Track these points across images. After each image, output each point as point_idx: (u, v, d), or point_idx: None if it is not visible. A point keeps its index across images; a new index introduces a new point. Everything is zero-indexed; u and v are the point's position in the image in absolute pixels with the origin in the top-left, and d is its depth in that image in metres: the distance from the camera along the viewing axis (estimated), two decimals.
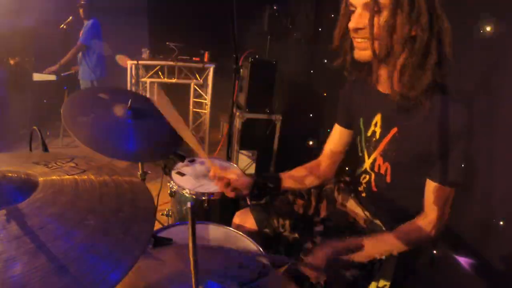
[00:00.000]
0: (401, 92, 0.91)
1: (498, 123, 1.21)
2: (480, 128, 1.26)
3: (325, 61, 2.99)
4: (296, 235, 1.29)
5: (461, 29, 1.34)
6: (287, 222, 1.29)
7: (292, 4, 3.55)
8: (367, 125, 1.10)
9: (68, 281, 0.41)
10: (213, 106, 3.93)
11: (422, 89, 0.87)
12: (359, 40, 0.90)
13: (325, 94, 2.93)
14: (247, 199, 1.44)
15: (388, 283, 1.29)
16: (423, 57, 0.85)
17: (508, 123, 1.17)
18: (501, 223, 1.17)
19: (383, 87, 1.03)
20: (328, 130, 1.41)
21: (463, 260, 1.29)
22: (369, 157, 1.12)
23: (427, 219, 0.99)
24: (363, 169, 1.17)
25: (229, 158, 2.34)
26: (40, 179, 0.55)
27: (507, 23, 1.18)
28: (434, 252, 1.45)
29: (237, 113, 2.83)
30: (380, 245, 1.00)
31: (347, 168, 1.37)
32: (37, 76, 3.69)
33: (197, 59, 3.75)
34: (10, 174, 0.53)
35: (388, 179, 1.06)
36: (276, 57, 3.27)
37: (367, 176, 1.16)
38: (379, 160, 1.07)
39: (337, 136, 1.27)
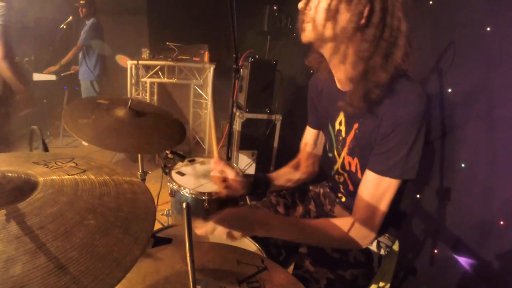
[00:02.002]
0: (354, 88, 0.90)
1: (498, 123, 1.21)
2: (480, 128, 1.26)
3: None
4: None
5: (461, 29, 1.34)
6: None
7: (292, 4, 3.55)
8: (333, 125, 1.10)
9: (68, 281, 0.41)
10: (213, 106, 3.93)
11: (372, 81, 0.86)
12: (304, 21, 0.92)
13: None
14: (247, 199, 1.44)
15: (388, 285, 1.29)
16: (370, 47, 0.84)
17: (508, 123, 1.17)
18: (501, 223, 1.17)
19: (341, 85, 1.02)
20: None
21: (463, 260, 1.30)
22: (339, 156, 1.11)
23: (349, 222, 0.94)
24: (336, 170, 1.16)
25: (229, 158, 2.35)
26: (40, 179, 0.55)
27: (507, 23, 1.18)
28: (434, 252, 1.45)
29: (237, 113, 2.83)
30: (287, 230, 0.95)
31: None
32: (37, 76, 3.69)
33: (197, 59, 3.75)
34: (10, 174, 0.53)
35: (359, 175, 1.03)
36: (276, 57, 3.27)
37: (341, 177, 1.15)
38: (348, 158, 1.06)
39: (309, 137, 1.30)
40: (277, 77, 2.92)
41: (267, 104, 2.91)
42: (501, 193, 1.19)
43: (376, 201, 0.91)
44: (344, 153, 1.07)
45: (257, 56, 3.08)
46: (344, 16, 0.84)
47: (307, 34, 0.91)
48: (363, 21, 0.84)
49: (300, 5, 0.91)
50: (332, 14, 0.84)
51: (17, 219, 0.46)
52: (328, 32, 0.86)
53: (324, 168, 1.36)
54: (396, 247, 1.26)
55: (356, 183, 1.06)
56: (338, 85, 1.03)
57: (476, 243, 1.27)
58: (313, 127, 1.27)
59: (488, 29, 1.23)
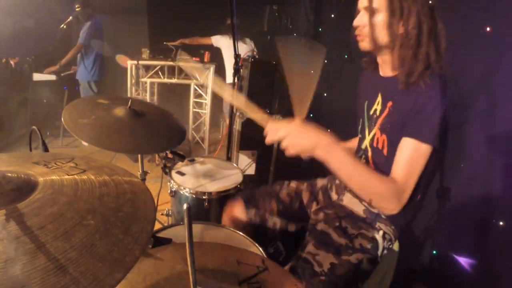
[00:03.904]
0: (403, 79, 1.05)
1: (498, 123, 1.21)
2: (480, 128, 1.26)
3: (325, 61, 2.99)
4: (284, 222, 1.32)
5: (461, 29, 1.34)
6: (274, 206, 1.32)
7: (292, 4, 3.55)
8: (370, 106, 1.23)
9: (68, 281, 0.41)
10: (213, 106, 3.93)
11: (418, 74, 1.02)
12: (358, 34, 1.11)
13: (325, 94, 2.93)
14: None
15: (388, 285, 1.29)
16: (416, 48, 1.02)
17: (508, 123, 1.17)
18: (501, 223, 1.17)
19: (384, 72, 1.19)
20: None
21: (463, 260, 1.30)
22: (369, 133, 1.22)
23: (391, 179, 1.03)
24: (362, 150, 1.26)
25: (229, 158, 2.35)
26: (40, 179, 0.55)
27: (507, 23, 1.18)
28: (434, 252, 1.45)
29: (237, 113, 2.82)
30: (347, 166, 1.00)
31: None
32: (37, 76, 3.69)
33: (197, 59, 3.75)
34: (10, 174, 0.53)
35: (385, 151, 1.13)
36: (276, 57, 3.26)
37: (364, 156, 1.24)
38: (378, 134, 1.16)
39: None
40: (277, 77, 2.91)
41: (267, 104, 2.90)
42: (501, 193, 1.19)
43: (410, 166, 1.01)
44: (375, 129, 1.18)
45: (257, 56, 3.07)
46: (396, 28, 1.03)
47: (366, 46, 1.10)
48: (413, 29, 1.01)
49: (354, 23, 1.10)
50: (386, 28, 1.03)
51: (17, 219, 0.46)
52: (384, 41, 1.06)
53: None
54: (396, 247, 1.26)
55: (378, 161, 1.17)
56: (381, 73, 1.20)
57: (476, 243, 1.27)
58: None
59: (488, 29, 1.23)
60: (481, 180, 1.26)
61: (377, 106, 1.20)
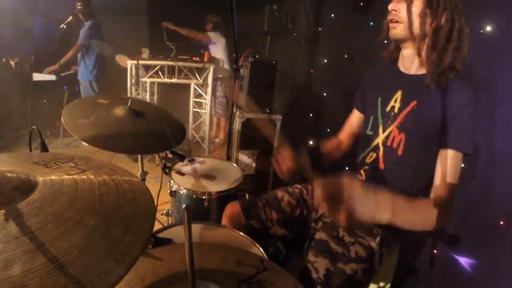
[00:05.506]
0: (431, 72, 1.06)
1: (498, 123, 1.21)
2: (480, 127, 1.26)
3: (325, 61, 2.99)
4: (285, 231, 1.30)
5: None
6: (275, 216, 1.30)
7: (292, 4, 3.55)
8: (386, 102, 1.20)
9: (68, 281, 0.41)
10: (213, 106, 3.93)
11: (444, 67, 1.03)
12: (392, 18, 1.09)
13: (325, 94, 2.93)
14: (246, 195, 1.44)
15: (388, 285, 1.29)
16: (446, 42, 1.04)
17: (508, 123, 1.17)
18: (501, 223, 1.17)
19: (406, 68, 1.17)
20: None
21: (463, 260, 1.30)
22: (384, 131, 1.20)
23: (436, 193, 1.01)
24: (371, 147, 1.23)
25: (229, 158, 2.35)
26: (40, 179, 0.55)
27: (507, 23, 1.18)
28: (434, 252, 1.45)
29: (237, 113, 2.82)
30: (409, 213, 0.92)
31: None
32: (37, 76, 3.69)
33: (197, 59, 3.75)
34: (10, 174, 0.53)
35: (400, 151, 1.13)
36: (276, 57, 3.27)
37: (374, 154, 1.21)
38: (395, 132, 1.15)
39: (355, 119, 1.41)
40: (277, 77, 2.92)
41: (267, 104, 2.91)
42: (501, 193, 1.19)
43: (453, 177, 1.01)
44: (392, 127, 1.16)
45: (257, 56, 3.07)
46: (429, 19, 1.04)
47: (399, 32, 1.09)
48: (446, 23, 1.03)
49: (391, 6, 1.09)
50: (420, 17, 1.04)
51: (16, 219, 0.46)
52: (416, 31, 1.06)
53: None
54: (396, 247, 1.26)
55: (390, 161, 1.16)
56: (402, 69, 1.19)
57: (476, 243, 1.27)
58: (360, 110, 1.39)
59: (488, 29, 1.23)
60: (482, 180, 1.26)
61: (395, 103, 1.17)
